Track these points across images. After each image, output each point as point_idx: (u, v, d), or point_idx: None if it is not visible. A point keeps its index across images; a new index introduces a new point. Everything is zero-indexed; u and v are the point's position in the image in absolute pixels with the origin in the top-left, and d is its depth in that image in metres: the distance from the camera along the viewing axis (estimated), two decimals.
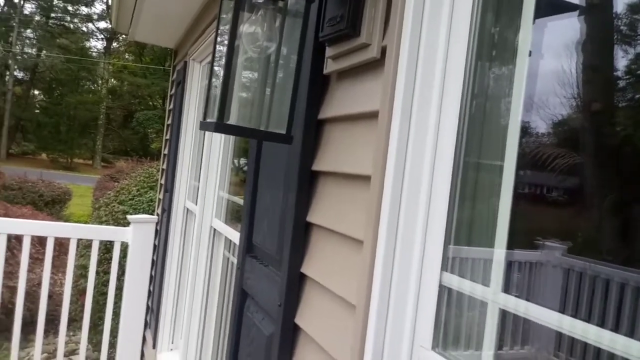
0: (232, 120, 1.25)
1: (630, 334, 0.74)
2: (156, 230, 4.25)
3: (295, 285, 1.42)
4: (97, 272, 4.33)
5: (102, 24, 35.96)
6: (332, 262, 1.27)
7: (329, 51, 1.33)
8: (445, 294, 0.98)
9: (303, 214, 1.43)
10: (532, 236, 1.07)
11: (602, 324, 0.82)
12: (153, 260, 4.22)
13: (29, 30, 34.23)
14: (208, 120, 1.23)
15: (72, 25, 35.73)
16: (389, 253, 1.02)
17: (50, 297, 3.79)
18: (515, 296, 0.89)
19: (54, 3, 34.49)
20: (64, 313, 3.68)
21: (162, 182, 4.56)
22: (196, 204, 3.16)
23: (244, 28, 1.26)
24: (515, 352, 1.13)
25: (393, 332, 1.01)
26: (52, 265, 3.66)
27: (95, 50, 38.00)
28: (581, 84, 0.92)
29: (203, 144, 3.15)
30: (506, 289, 0.88)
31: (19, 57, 32.97)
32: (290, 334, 1.42)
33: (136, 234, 4.04)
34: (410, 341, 1.00)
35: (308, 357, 1.33)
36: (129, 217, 4.23)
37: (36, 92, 35.81)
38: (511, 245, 0.90)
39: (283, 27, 1.26)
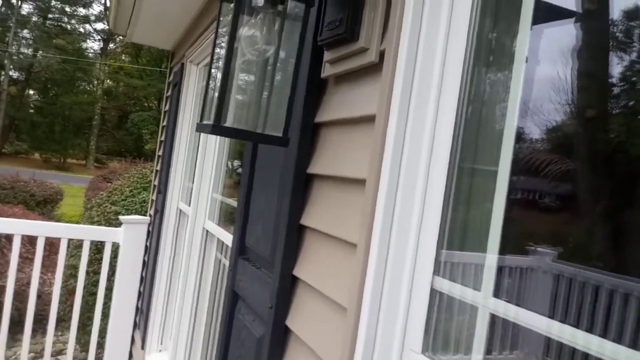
0: (229, 122, 1.26)
1: (619, 339, 0.74)
2: (148, 232, 4.23)
3: (287, 287, 1.42)
4: (88, 273, 4.30)
5: (100, 25, 35.93)
6: (325, 265, 1.27)
7: (327, 55, 1.33)
8: (437, 298, 0.98)
9: (297, 216, 1.43)
10: (523, 242, 1.07)
11: (590, 329, 0.82)
12: (144, 261, 4.20)
13: (25, 31, 34.10)
14: (205, 122, 1.24)
15: (69, 26, 35.65)
16: (381, 257, 1.03)
17: (39, 296, 3.76)
18: (506, 301, 0.90)
19: (52, 4, 34.42)
20: (52, 312, 3.65)
21: (156, 183, 4.54)
22: (189, 206, 3.15)
23: (243, 31, 1.27)
24: (504, 357, 1.14)
25: (384, 335, 1.01)
26: (42, 265, 3.63)
27: (92, 51, 37.90)
28: (576, 91, 0.93)
29: (198, 146, 3.15)
30: (496, 293, 0.88)
31: (15, 57, 32.82)
32: (280, 336, 1.41)
33: (128, 235, 4.01)
34: (400, 344, 1.00)
35: (298, 359, 1.33)
36: (121, 217, 4.21)
37: (31, 92, 35.63)
38: (503, 250, 0.91)
39: (282, 30, 1.27)
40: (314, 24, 1.36)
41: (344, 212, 1.22)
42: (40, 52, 33.29)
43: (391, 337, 1.02)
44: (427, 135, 1.02)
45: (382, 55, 1.11)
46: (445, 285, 0.97)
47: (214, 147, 2.87)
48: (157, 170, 4.62)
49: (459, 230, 1.00)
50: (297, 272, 1.40)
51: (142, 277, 4.20)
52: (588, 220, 0.97)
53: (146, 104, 35.50)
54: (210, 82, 1.27)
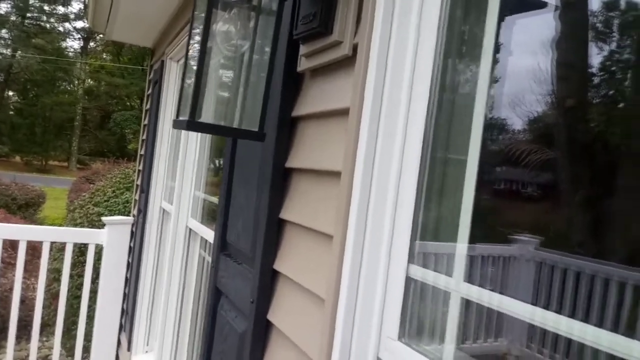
0: (205, 118, 1.25)
1: (600, 324, 0.76)
2: (132, 232, 4.20)
3: (268, 281, 1.42)
4: (71, 276, 4.25)
5: (79, 24, 35.37)
6: (304, 258, 1.28)
7: (303, 49, 1.34)
8: (412, 286, 1.00)
9: (276, 211, 1.43)
10: (496, 230, 1.09)
11: (572, 315, 0.84)
12: (128, 262, 4.17)
13: (4, 31, 33.45)
14: (181, 118, 1.24)
15: (48, 25, 35.05)
16: (357, 247, 1.04)
17: (23, 302, 3.71)
18: (480, 286, 0.91)
19: (30, 2, 33.80)
20: (36, 318, 3.60)
21: (139, 182, 4.51)
22: (172, 205, 3.13)
23: (218, 26, 1.27)
24: (479, 345, 1.15)
25: (361, 324, 1.03)
26: (25, 269, 3.57)
27: (72, 50, 37.34)
28: (554, 81, 0.94)
29: (179, 144, 3.13)
30: (469, 280, 0.90)
31: None
32: (262, 330, 1.42)
33: (111, 236, 3.98)
34: (377, 332, 1.01)
35: (280, 352, 1.33)
36: (103, 218, 4.17)
37: (10, 93, 34.97)
38: (475, 238, 0.92)
39: (257, 25, 1.27)
40: (289, 18, 1.36)
41: (321, 204, 1.23)
42: (19, 52, 32.70)
43: (368, 325, 1.03)
44: (400, 126, 1.03)
45: (355, 48, 1.12)
46: (420, 273, 0.98)
47: (196, 144, 2.86)
48: (139, 170, 4.58)
49: (433, 220, 1.01)
50: (277, 266, 1.40)
51: (126, 279, 4.17)
52: (565, 210, 0.99)
53: (128, 103, 35.08)
54: (186, 78, 1.27)
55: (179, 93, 1.23)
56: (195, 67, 1.20)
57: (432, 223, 1.03)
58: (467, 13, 1.00)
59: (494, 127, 1.01)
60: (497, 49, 0.93)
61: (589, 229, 0.97)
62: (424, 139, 1.01)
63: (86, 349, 4.16)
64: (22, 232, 3.65)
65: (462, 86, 1.02)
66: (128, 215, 5.08)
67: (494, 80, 0.92)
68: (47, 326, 5.10)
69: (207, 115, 1.27)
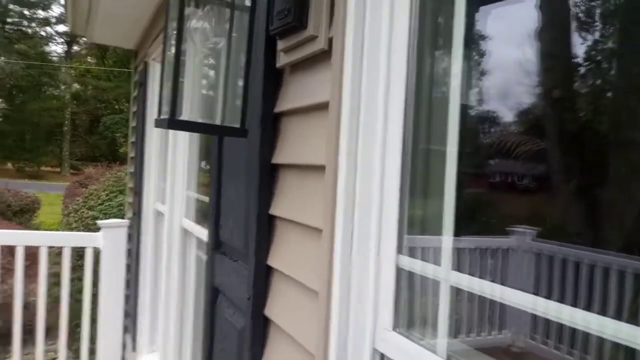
0: (186, 116, 1.25)
1: (603, 312, 0.75)
2: (129, 235, 4.19)
3: (263, 277, 1.43)
4: (72, 279, 4.25)
5: (61, 27, 34.90)
6: (296, 253, 1.29)
7: (280, 44, 1.34)
8: (404, 276, 1.01)
9: (266, 207, 1.44)
10: (481, 221, 1.10)
11: (574, 304, 0.84)
12: (128, 264, 4.17)
13: None
14: (162, 117, 1.23)
15: (29, 30, 34.58)
16: (346, 239, 1.05)
17: (25, 307, 3.71)
18: (479, 278, 0.92)
19: (10, 7, 33.29)
20: (39, 322, 3.61)
21: (132, 185, 4.50)
22: (165, 205, 3.13)
23: (192, 23, 1.26)
24: (482, 337, 1.16)
25: (356, 315, 1.04)
26: (25, 275, 3.58)
27: (56, 54, 36.87)
28: (540, 72, 0.95)
29: (168, 144, 3.12)
30: (457, 267, 0.91)
31: None
32: (260, 326, 1.43)
33: (107, 239, 3.97)
34: (372, 323, 1.03)
35: (278, 347, 1.35)
36: (98, 222, 4.16)
37: None
38: (459, 230, 0.93)
39: (232, 21, 1.26)
40: (265, 14, 1.36)
41: (309, 199, 1.23)
42: (2, 58, 32.29)
43: (363, 316, 1.05)
44: (380, 118, 1.03)
45: (331, 42, 1.12)
46: (409, 264, 1.00)
47: (184, 143, 2.86)
48: (131, 172, 4.57)
49: (419, 210, 1.02)
50: (270, 261, 1.41)
51: (127, 281, 4.17)
52: (558, 200, 0.99)
53: (117, 106, 34.77)
54: (165, 77, 1.27)
55: (159, 92, 1.23)
56: (172, 66, 1.20)
57: (419, 215, 1.04)
58: (438, 1, 1.00)
59: (475, 116, 1.02)
60: (472, 38, 0.94)
61: (582, 218, 0.98)
62: (405, 130, 1.01)
63: (92, 351, 4.18)
64: (19, 237, 3.65)
65: (438, 75, 1.02)
66: (123, 218, 5.08)
67: (472, 69, 0.93)
68: (52, 330, 5.12)
69: (189, 113, 1.27)
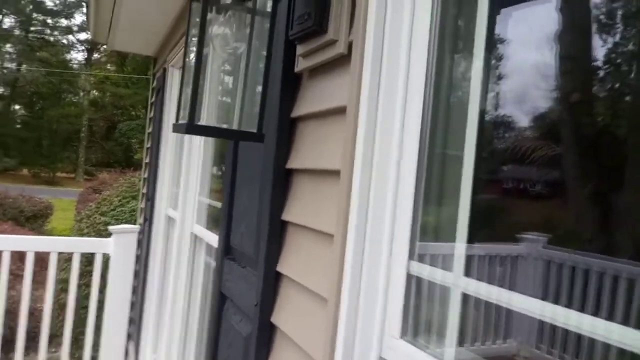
0: (204, 121, 1.26)
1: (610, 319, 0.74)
2: (139, 241, 4.20)
3: (271, 284, 1.42)
4: (79, 286, 4.25)
5: (83, 35, 35.65)
6: (306, 259, 1.27)
7: (300, 49, 1.34)
8: (413, 283, 0.99)
9: (278, 212, 1.43)
10: (501, 229, 1.08)
11: (582, 310, 0.82)
12: (135, 270, 4.17)
13: (8, 45, 33.79)
14: (180, 122, 1.24)
15: (52, 38, 35.38)
16: (358, 245, 1.03)
17: (31, 314, 3.71)
18: (487, 284, 0.90)
19: (34, 16, 34.14)
20: (44, 329, 3.61)
21: (144, 191, 4.52)
22: (177, 211, 3.14)
23: (214, 29, 1.27)
24: (487, 346, 1.14)
25: (364, 323, 1.02)
26: (33, 280, 3.59)
27: (76, 62, 37.62)
28: (559, 75, 0.93)
29: (183, 150, 3.14)
30: (467, 275, 0.89)
31: None
32: (266, 333, 1.41)
33: (118, 245, 3.98)
34: (380, 331, 1.00)
35: (284, 355, 1.33)
36: (110, 227, 4.17)
37: (17, 106, 35.28)
38: (477, 237, 0.91)
39: (253, 27, 1.27)
40: (285, 19, 1.36)
41: (322, 204, 1.22)
42: (24, 65, 33.02)
43: (371, 324, 1.02)
44: (397, 123, 1.02)
45: (350, 46, 1.12)
46: (421, 271, 0.97)
47: (199, 149, 2.87)
48: (144, 178, 4.60)
49: (433, 217, 1.00)
50: (280, 267, 1.40)
51: (133, 287, 4.17)
52: (572, 207, 0.97)
53: (134, 113, 35.24)
54: (185, 82, 1.27)
55: (178, 98, 1.24)
56: (192, 71, 1.21)
57: (433, 222, 1.02)
58: (460, 5, 1.00)
59: (493, 122, 1.00)
60: (493, 41, 0.92)
61: (596, 226, 0.96)
62: (421, 135, 1.00)
63: (93, 359, 4.16)
64: (29, 243, 3.67)
65: (458, 80, 1.01)
66: (135, 223, 5.09)
67: (492, 74, 0.92)
68: (56, 337, 5.11)
69: (206, 118, 1.27)
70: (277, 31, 1.31)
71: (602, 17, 0.90)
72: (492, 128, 0.98)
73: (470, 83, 0.92)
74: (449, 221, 0.96)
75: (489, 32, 0.88)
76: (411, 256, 0.99)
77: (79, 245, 3.94)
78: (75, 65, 36.91)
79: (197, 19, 1.17)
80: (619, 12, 0.89)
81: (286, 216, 1.40)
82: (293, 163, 1.40)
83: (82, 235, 5.56)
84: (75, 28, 35.87)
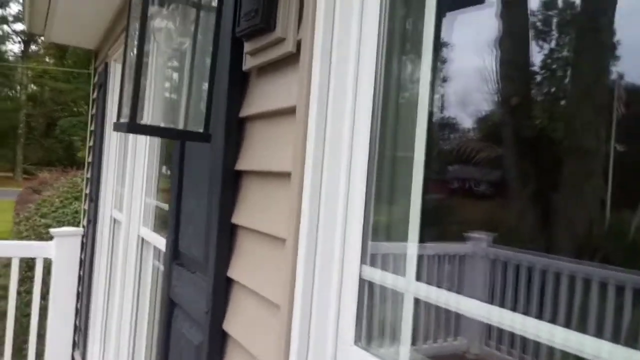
0: (147, 120, 1.19)
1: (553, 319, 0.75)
2: (82, 244, 4.01)
3: (222, 290, 1.37)
4: (19, 292, 4.02)
5: (19, 26, 33.63)
6: (258, 264, 1.23)
7: (247, 47, 1.29)
8: (366, 288, 0.97)
9: (228, 215, 1.38)
10: (449, 228, 1.08)
11: (525, 310, 0.83)
12: (80, 275, 3.98)
13: None
14: (121, 120, 1.17)
15: None
16: (310, 249, 1.00)
17: None
18: (437, 286, 0.90)
19: None
20: None
21: (87, 191, 4.32)
22: (123, 213, 3.00)
23: (156, 23, 1.20)
24: (438, 344, 1.14)
25: (317, 330, 0.99)
26: None
27: (12, 54, 35.50)
28: (498, 79, 0.94)
29: (128, 148, 3.00)
30: (419, 274, 0.88)
31: None
32: (218, 341, 1.36)
33: (60, 249, 3.78)
34: (334, 337, 0.98)
35: None
36: (51, 230, 3.96)
37: None
38: (428, 237, 0.91)
39: (198, 22, 1.21)
40: (232, 14, 1.31)
41: (273, 207, 1.18)
42: None
43: (325, 331, 1.00)
44: (347, 124, 1.00)
45: (299, 44, 1.09)
46: (374, 275, 0.96)
47: (145, 148, 2.75)
48: (87, 178, 4.39)
49: (384, 218, 0.99)
50: (231, 273, 1.35)
51: (78, 293, 3.98)
52: (512, 207, 0.99)
53: (75, 109, 33.60)
54: (125, 78, 1.20)
55: (119, 94, 1.16)
56: (134, 67, 1.14)
57: (384, 223, 1.01)
58: (408, 6, 0.98)
59: (441, 123, 1.00)
60: (440, 44, 0.92)
61: (537, 224, 0.98)
62: (372, 136, 0.98)
63: None
64: None
65: (407, 81, 1.00)
66: (78, 226, 4.86)
67: (439, 76, 0.91)
68: None
69: (151, 116, 1.21)
70: (224, 27, 1.25)
71: (538, 24, 0.91)
72: (440, 129, 0.98)
73: (419, 84, 0.91)
74: (400, 222, 0.95)
75: (436, 33, 0.87)
76: (363, 260, 0.97)
77: (17, 249, 3.71)
78: (11, 58, 34.81)
79: (138, 12, 1.10)
80: (555, 20, 0.90)
81: (236, 219, 1.36)
82: (242, 164, 1.35)
83: (21, 238, 5.26)
84: (10, 18, 33.78)
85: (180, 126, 1.21)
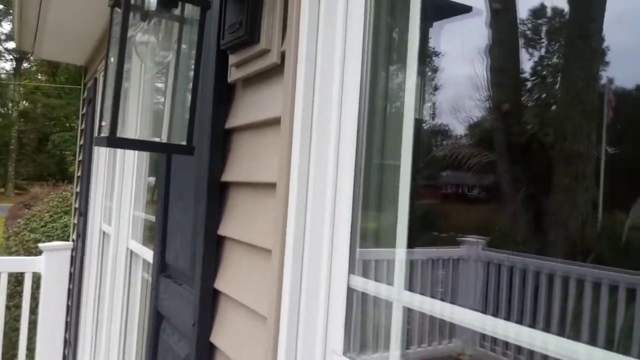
0: (130, 133, 1.19)
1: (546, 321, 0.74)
2: (72, 258, 3.97)
3: (209, 302, 1.36)
4: (8, 307, 3.96)
5: (11, 44, 33.55)
6: (245, 276, 1.23)
7: (232, 59, 1.30)
8: (354, 297, 0.97)
9: (214, 227, 1.37)
10: (432, 234, 1.09)
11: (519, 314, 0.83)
12: (69, 289, 3.94)
13: None
14: (102, 135, 1.16)
15: None
16: (297, 260, 1.00)
17: None
18: (430, 289, 0.90)
19: None
20: None
21: (77, 205, 4.29)
22: (111, 226, 2.98)
23: (138, 37, 1.21)
24: (427, 349, 1.14)
25: (305, 341, 0.99)
26: None
27: (4, 71, 35.39)
28: (490, 85, 0.95)
29: (116, 162, 2.99)
30: (412, 279, 0.88)
31: None
32: (206, 353, 1.35)
33: (49, 263, 3.74)
34: (322, 348, 0.98)
35: None
36: (40, 245, 3.92)
37: None
38: (412, 244, 0.91)
39: (181, 35, 1.22)
40: (217, 27, 1.32)
41: (259, 218, 1.18)
42: None
43: (313, 341, 0.99)
44: (333, 133, 1.00)
45: (283, 56, 1.09)
46: (362, 284, 0.96)
47: (133, 161, 2.74)
48: (77, 192, 4.36)
49: (371, 227, 0.99)
50: (218, 285, 1.34)
51: (68, 307, 3.93)
52: (505, 211, 1.00)
53: (67, 124, 33.44)
54: (106, 92, 1.20)
55: (100, 108, 1.16)
56: (114, 80, 1.14)
57: (373, 232, 1.01)
58: (392, 15, 1.00)
59: (428, 130, 1.01)
60: (425, 52, 0.93)
61: (530, 227, 0.98)
62: (358, 145, 0.99)
63: None
64: None
65: (393, 90, 1.01)
66: (68, 240, 4.81)
67: (426, 84, 0.92)
68: None
69: (136, 130, 1.21)
70: (208, 40, 1.26)
71: (528, 32, 0.93)
72: (427, 136, 0.98)
73: (405, 92, 0.92)
74: (387, 229, 0.95)
75: (422, 42, 0.88)
76: (351, 269, 0.97)
77: (6, 264, 3.67)
78: (3, 75, 34.70)
79: (118, 27, 1.10)
80: (544, 27, 0.92)
81: (222, 231, 1.35)
82: (228, 176, 1.35)
83: (10, 254, 5.20)
84: (2, 37, 33.72)
85: (164, 139, 1.21)
